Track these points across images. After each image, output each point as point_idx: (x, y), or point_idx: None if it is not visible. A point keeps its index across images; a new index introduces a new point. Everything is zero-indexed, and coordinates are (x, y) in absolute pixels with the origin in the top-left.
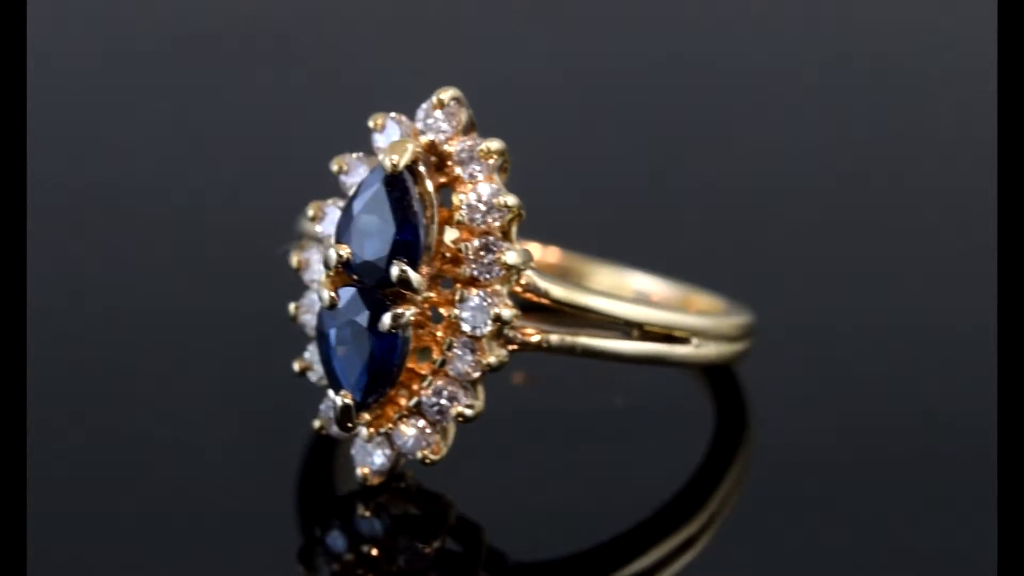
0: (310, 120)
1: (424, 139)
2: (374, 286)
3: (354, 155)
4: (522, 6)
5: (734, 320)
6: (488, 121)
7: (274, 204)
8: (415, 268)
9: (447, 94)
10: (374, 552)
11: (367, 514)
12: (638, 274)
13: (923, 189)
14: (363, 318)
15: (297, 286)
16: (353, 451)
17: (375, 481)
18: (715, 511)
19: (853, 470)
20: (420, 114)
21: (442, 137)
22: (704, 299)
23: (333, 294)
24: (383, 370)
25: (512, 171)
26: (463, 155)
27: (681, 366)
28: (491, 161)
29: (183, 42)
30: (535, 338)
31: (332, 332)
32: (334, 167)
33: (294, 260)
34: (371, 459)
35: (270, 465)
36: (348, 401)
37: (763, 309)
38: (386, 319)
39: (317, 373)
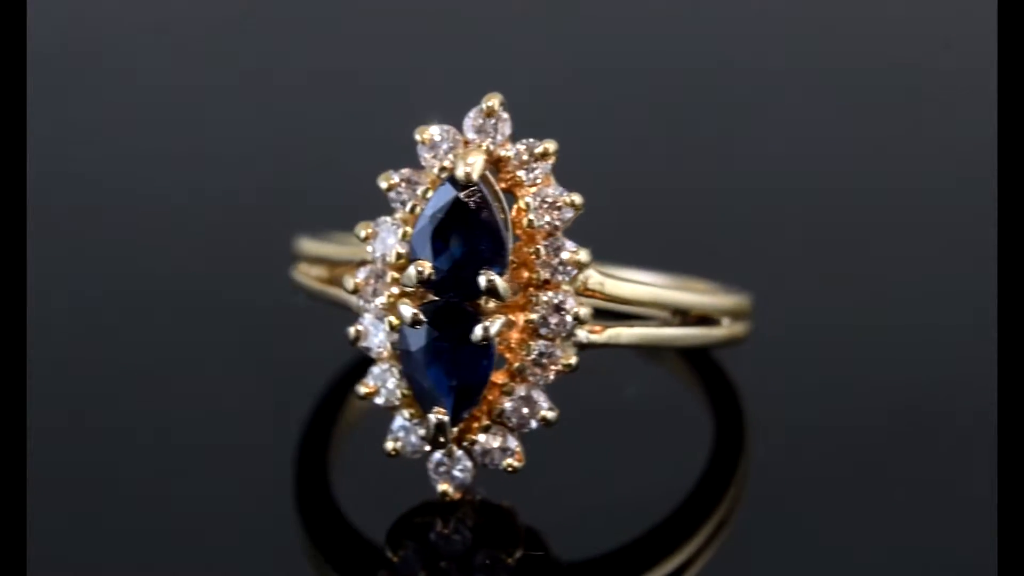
0: (309, 120)
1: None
2: (457, 299)
3: (403, 171)
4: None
5: (747, 298)
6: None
7: (274, 204)
8: (500, 276)
9: (495, 100)
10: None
11: (447, 531)
12: (627, 270)
13: (923, 190)
14: (451, 333)
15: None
16: (431, 468)
17: (456, 496)
18: (722, 518)
19: (852, 469)
20: (468, 123)
21: (496, 143)
22: (701, 284)
23: (416, 312)
24: (475, 383)
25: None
26: (521, 158)
27: (720, 346)
28: (549, 162)
29: (183, 39)
30: (605, 335)
31: (419, 350)
32: (383, 184)
33: (350, 284)
34: (454, 474)
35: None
36: (444, 418)
37: (761, 310)
38: (478, 331)
39: (385, 396)
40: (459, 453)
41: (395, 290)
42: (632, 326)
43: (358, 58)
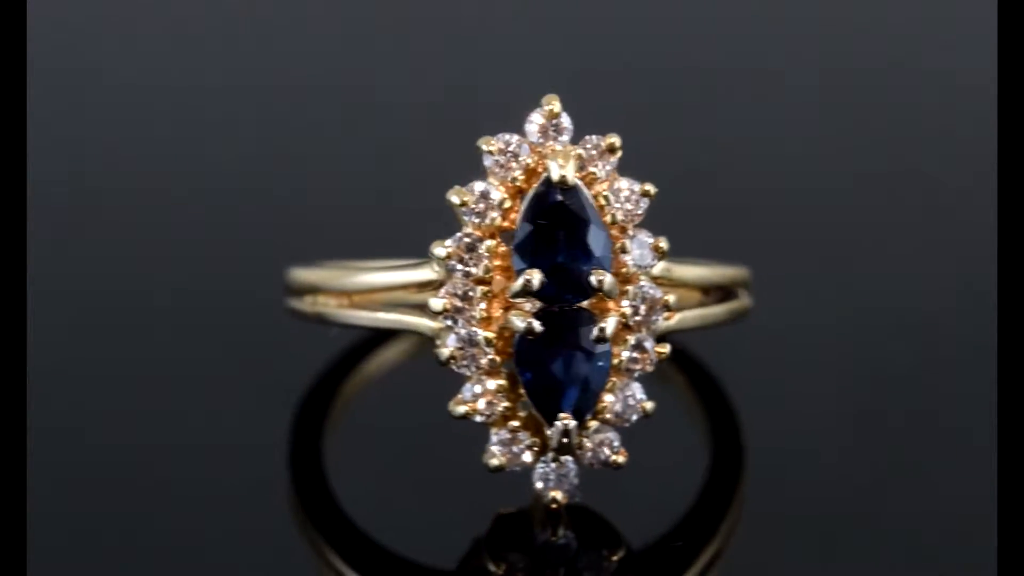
0: (309, 122)
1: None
2: (568, 303)
3: (476, 184)
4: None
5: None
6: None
7: (274, 205)
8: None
9: (556, 102)
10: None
11: (555, 537)
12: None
13: (925, 190)
14: (568, 337)
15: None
16: (542, 475)
17: (565, 502)
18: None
19: (851, 470)
20: (533, 127)
21: (562, 143)
22: (709, 263)
23: (531, 321)
24: (596, 385)
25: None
26: (592, 153)
27: (742, 318)
28: (617, 156)
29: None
30: (675, 320)
31: (538, 359)
32: (455, 199)
33: (439, 305)
34: (566, 479)
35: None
36: (571, 423)
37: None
38: (596, 332)
39: (485, 414)
40: (566, 457)
41: (483, 304)
42: (682, 309)
43: (353, 77)
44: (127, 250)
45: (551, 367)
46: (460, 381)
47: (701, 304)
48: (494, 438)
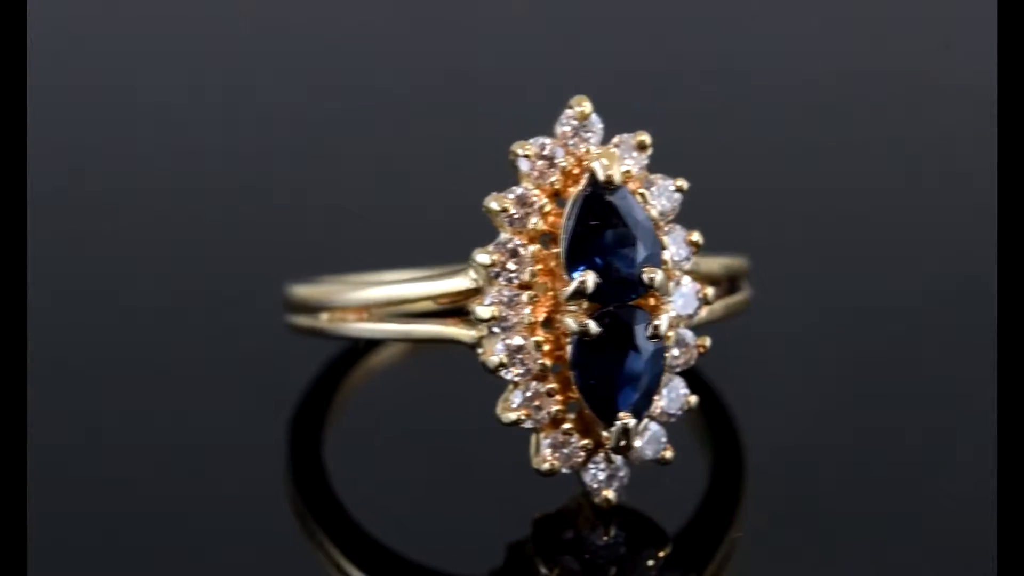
0: (310, 122)
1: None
2: (617, 303)
3: (514, 190)
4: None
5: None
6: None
7: (274, 205)
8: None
9: (588, 104)
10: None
11: (607, 536)
12: None
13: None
14: (624, 337)
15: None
16: (595, 476)
17: (616, 501)
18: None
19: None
20: (567, 130)
21: (595, 143)
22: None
23: (588, 322)
24: (653, 382)
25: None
26: (625, 152)
27: (746, 310)
28: (647, 153)
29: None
30: (705, 312)
31: (596, 360)
32: (495, 205)
33: (486, 312)
34: (616, 478)
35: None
36: (630, 422)
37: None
38: (651, 329)
39: (536, 419)
40: (617, 456)
41: (528, 308)
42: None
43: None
44: (128, 251)
45: (608, 368)
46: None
47: (718, 296)
48: (545, 442)
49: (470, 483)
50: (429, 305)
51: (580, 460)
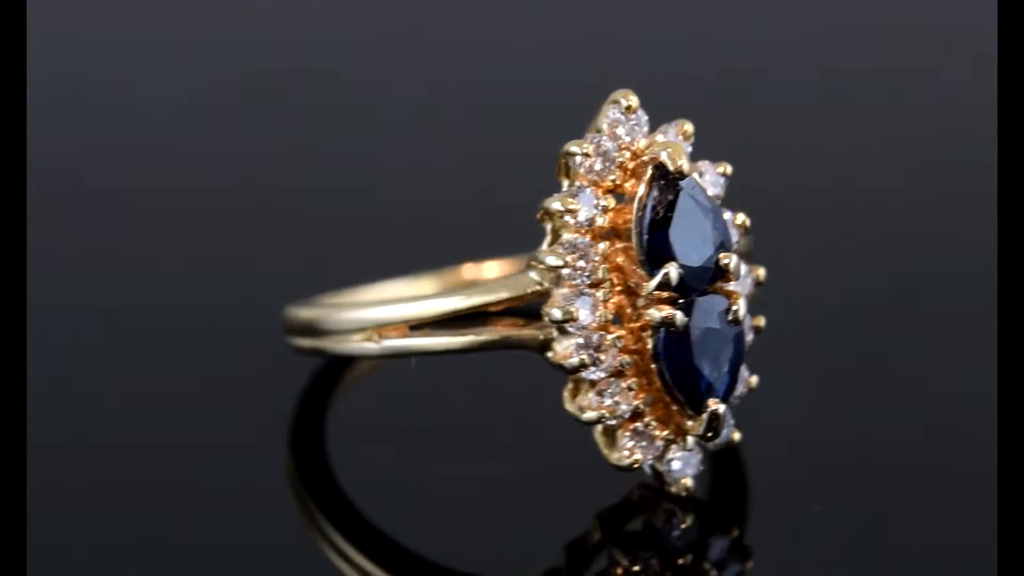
0: (310, 121)
1: (641, 143)
2: (701, 289)
3: (573, 189)
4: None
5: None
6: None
7: (274, 206)
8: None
9: (634, 97)
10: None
11: (685, 524)
12: None
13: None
14: (708, 324)
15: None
16: (673, 465)
17: (693, 489)
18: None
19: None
20: (620, 128)
21: (644, 135)
22: None
23: (675, 313)
24: (737, 366)
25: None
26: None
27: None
28: (690, 141)
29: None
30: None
31: (685, 349)
32: (558, 205)
33: (558, 313)
34: (692, 465)
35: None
36: (720, 408)
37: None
38: (731, 315)
39: (617, 415)
40: (691, 441)
41: (601, 306)
42: None
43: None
44: (128, 252)
45: (695, 355)
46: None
47: None
48: (626, 437)
49: (473, 481)
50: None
51: (660, 451)
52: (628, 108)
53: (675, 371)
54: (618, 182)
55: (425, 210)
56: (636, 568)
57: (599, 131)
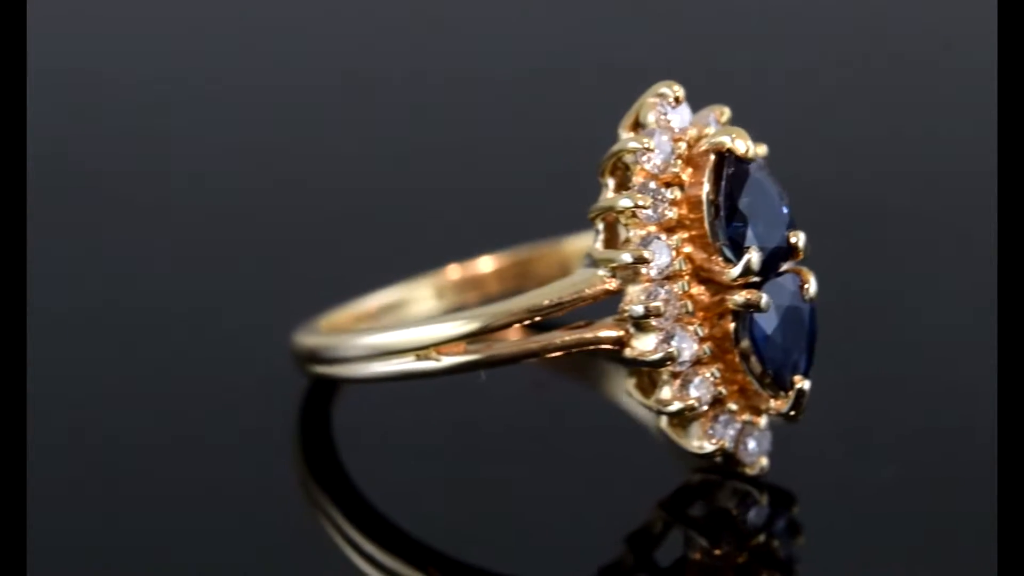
0: (309, 122)
1: (691, 132)
2: (775, 271)
3: (639, 186)
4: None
5: None
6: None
7: (275, 204)
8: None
9: (679, 87)
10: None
11: (760, 504)
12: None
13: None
14: (788, 302)
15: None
16: (750, 446)
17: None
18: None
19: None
20: (673, 119)
21: (690, 124)
22: None
23: (762, 297)
24: (814, 342)
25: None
26: (713, 126)
27: None
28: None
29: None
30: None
31: (774, 331)
32: (627, 203)
33: (640, 309)
34: (764, 443)
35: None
36: (805, 385)
37: None
38: (810, 289)
39: (703, 404)
40: (763, 421)
41: (680, 298)
42: None
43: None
44: (127, 251)
45: (778, 335)
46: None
47: None
48: (709, 423)
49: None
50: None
51: (739, 434)
52: (676, 99)
53: (761, 352)
54: (678, 174)
55: (399, 212)
56: (717, 551)
57: (646, 125)
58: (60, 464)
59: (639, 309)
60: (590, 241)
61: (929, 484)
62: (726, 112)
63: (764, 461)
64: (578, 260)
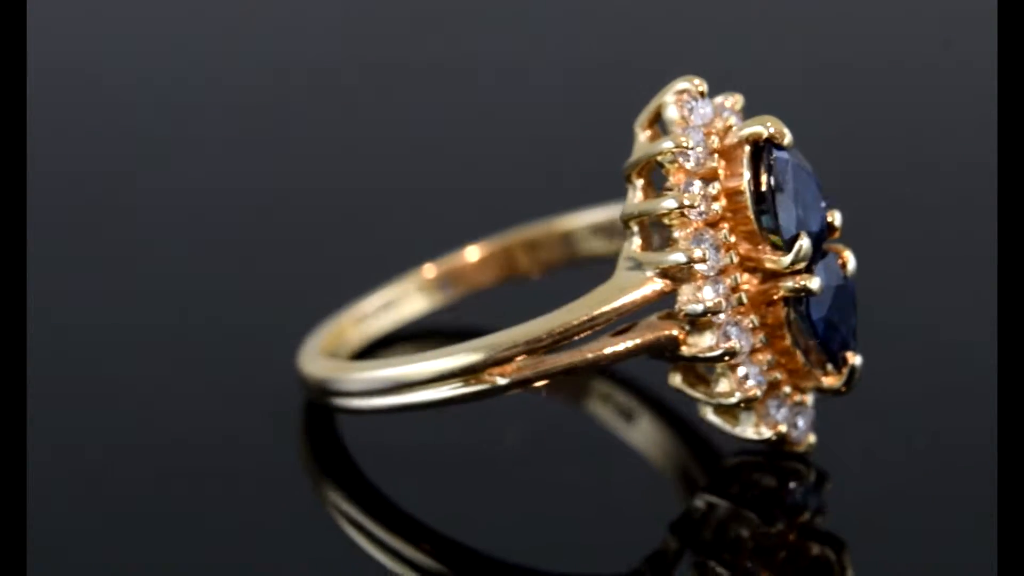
0: (308, 121)
1: (717, 124)
2: (819, 251)
3: (680, 183)
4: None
5: None
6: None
7: (277, 204)
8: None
9: (700, 81)
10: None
11: (804, 481)
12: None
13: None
14: (834, 281)
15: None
16: (800, 424)
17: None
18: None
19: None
20: (707, 114)
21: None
22: None
23: (815, 280)
24: (856, 319)
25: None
26: (730, 115)
27: None
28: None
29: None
30: None
31: (818, 314)
32: (672, 204)
33: (698, 307)
34: (809, 420)
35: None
36: (857, 361)
37: None
38: (849, 266)
39: (760, 391)
40: (810, 399)
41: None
42: None
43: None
44: (127, 254)
45: (832, 315)
46: None
47: None
48: (764, 410)
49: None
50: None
51: (792, 415)
52: (701, 93)
53: (817, 334)
54: (716, 166)
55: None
56: (769, 529)
57: (671, 121)
58: (58, 465)
59: (698, 308)
60: (571, 224)
61: (929, 482)
62: (740, 99)
63: (812, 438)
64: (563, 243)
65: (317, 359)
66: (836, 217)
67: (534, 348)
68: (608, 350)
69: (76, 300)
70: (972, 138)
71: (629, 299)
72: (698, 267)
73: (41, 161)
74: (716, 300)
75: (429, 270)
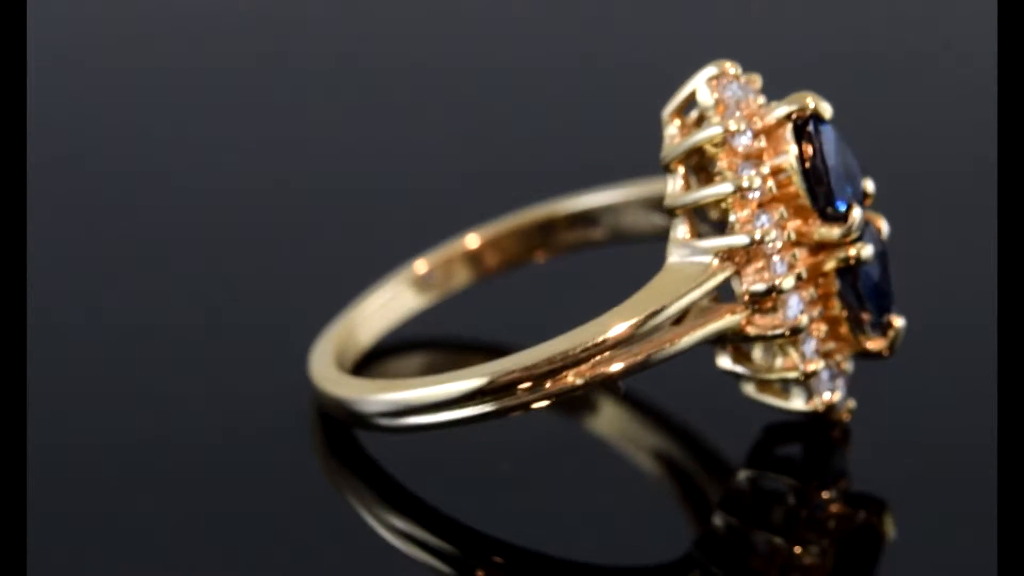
0: (308, 121)
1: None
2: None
3: (741, 166)
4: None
5: None
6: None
7: (277, 204)
8: None
9: (730, 64)
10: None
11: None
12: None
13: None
14: (880, 246)
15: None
16: (842, 391)
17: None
18: None
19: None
20: (747, 96)
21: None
22: None
23: (868, 247)
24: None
25: None
26: (750, 93)
27: None
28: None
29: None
30: None
31: (868, 281)
32: (728, 187)
33: (763, 287)
34: (845, 386)
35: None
36: (900, 322)
37: None
38: (884, 230)
39: (821, 365)
40: (849, 366)
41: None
42: None
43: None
44: (128, 253)
45: (882, 280)
46: None
47: None
48: (822, 379)
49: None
50: None
51: (842, 383)
52: (736, 76)
53: (872, 301)
54: (760, 146)
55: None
56: (825, 495)
57: (708, 106)
58: (59, 464)
59: (762, 287)
60: (561, 209)
61: (930, 482)
62: (758, 79)
63: (852, 404)
64: (547, 228)
65: (332, 372)
66: (869, 185)
67: (614, 344)
68: (684, 341)
69: (76, 300)
70: (972, 138)
71: (704, 288)
72: (763, 246)
73: (41, 161)
74: (782, 277)
75: (421, 265)
